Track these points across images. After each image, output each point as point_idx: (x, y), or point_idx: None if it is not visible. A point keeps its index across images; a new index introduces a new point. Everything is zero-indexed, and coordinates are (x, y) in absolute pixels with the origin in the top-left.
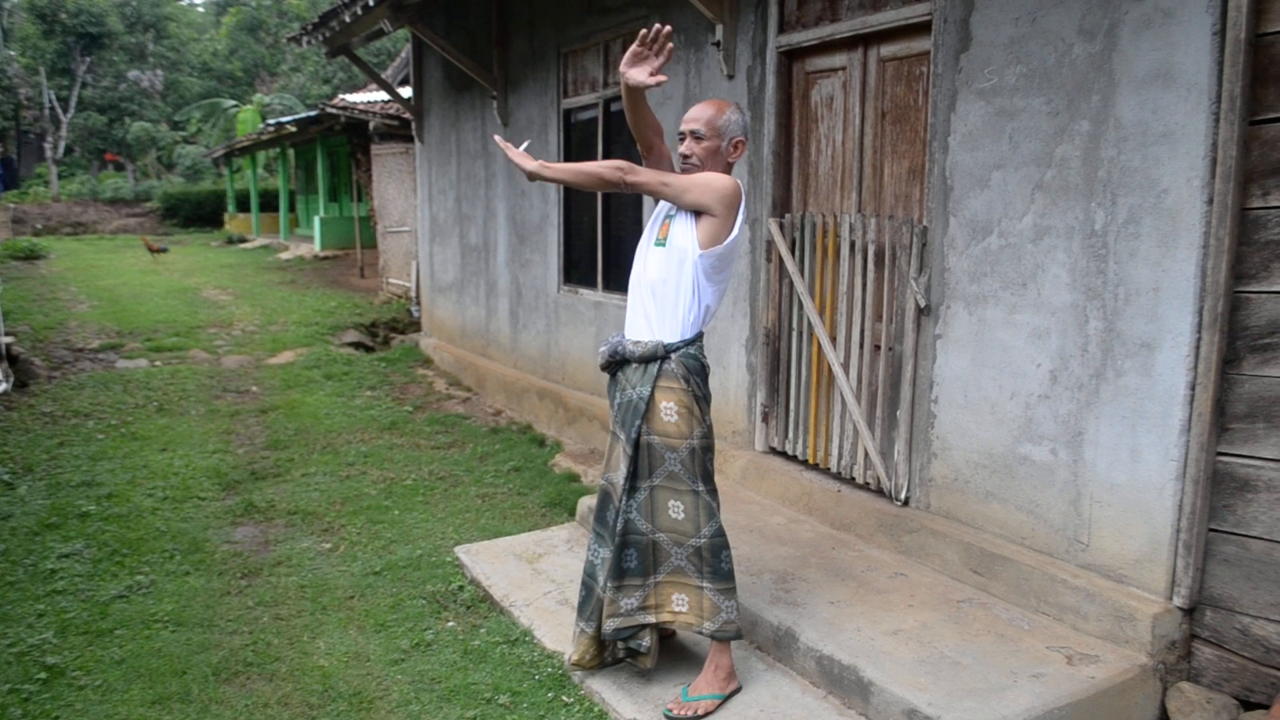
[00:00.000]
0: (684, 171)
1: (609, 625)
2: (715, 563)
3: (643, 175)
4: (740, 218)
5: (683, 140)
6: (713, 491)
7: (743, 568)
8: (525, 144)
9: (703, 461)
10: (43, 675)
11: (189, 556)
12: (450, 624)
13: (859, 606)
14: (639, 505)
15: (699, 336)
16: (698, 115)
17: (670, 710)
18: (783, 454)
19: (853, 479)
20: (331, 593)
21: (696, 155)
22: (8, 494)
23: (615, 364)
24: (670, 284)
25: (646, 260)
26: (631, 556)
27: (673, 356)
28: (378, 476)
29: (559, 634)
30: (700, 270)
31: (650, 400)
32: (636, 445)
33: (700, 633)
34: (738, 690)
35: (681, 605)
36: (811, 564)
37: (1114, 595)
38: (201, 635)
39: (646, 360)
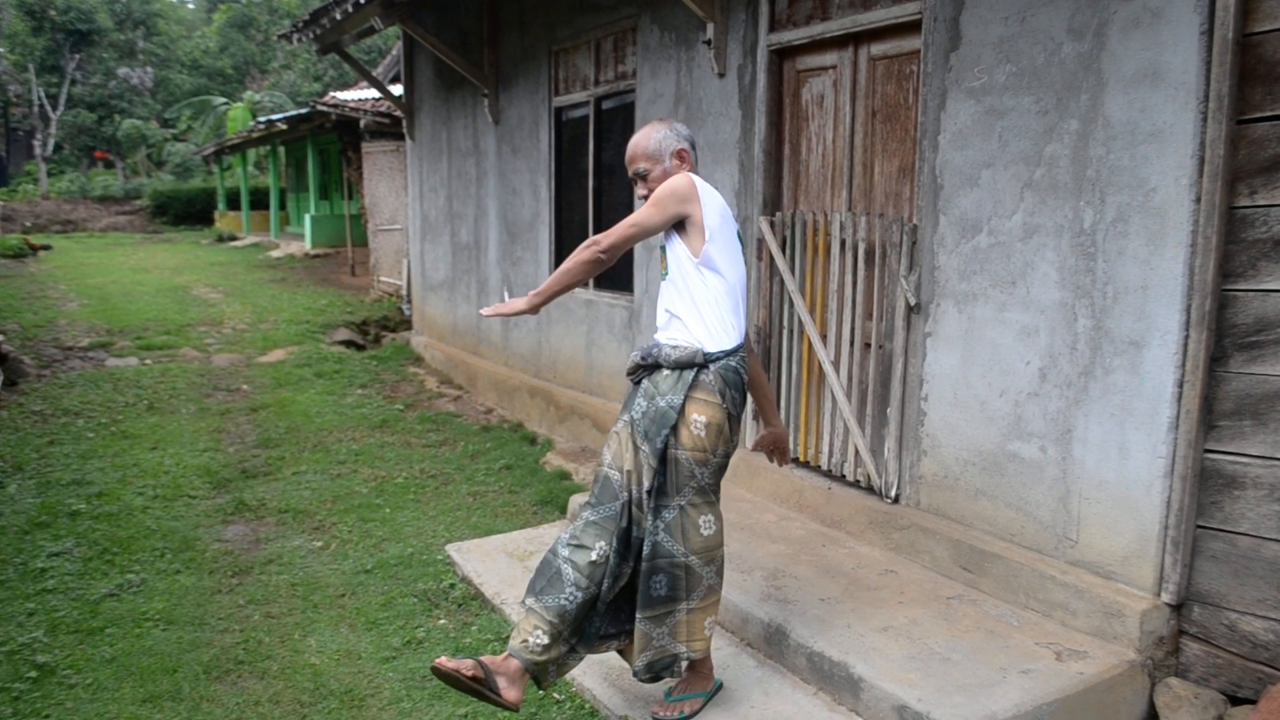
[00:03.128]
0: None
1: (641, 661)
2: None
3: (612, 235)
4: (709, 206)
5: (635, 183)
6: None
7: (734, 565)
8: (505, 293)
9: (719, 477)
10: (33, 674)
11: (180, 555)
12: (441, 622)
13: (849, 603)
14: (667, 526)
15: (739, 348)
16: (633, 154)
17: (656, 713)
18: None
19: (843, 476)
20: (323, 591)
21: (653, 190)
22: None
23: (646, 368)
24: (689, 303)
25: (662, 292)
26: (661, 583)
27: (712, 367)
28: (369, 475)
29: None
30: (705, 274)
31: (681, 411)
32: (663, 460)
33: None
34: (719, 687)
35: (711, 629)
36: (802, 561)
37: (1102, 591)
38: (192, 633)
39: (682, 367)
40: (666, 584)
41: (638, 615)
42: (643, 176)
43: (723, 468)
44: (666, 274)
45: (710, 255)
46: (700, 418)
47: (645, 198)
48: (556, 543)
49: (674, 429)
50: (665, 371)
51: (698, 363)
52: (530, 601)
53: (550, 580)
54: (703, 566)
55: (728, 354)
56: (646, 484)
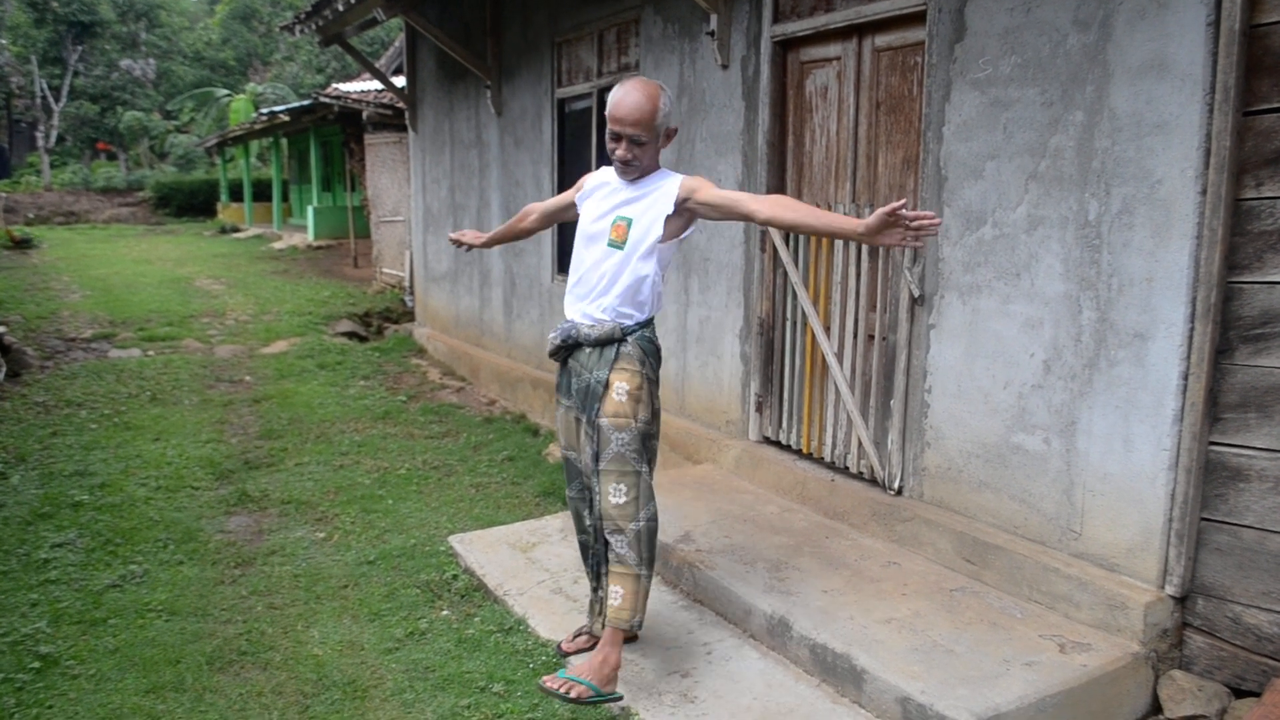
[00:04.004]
0: (622, 172)
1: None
2: (651, 549)
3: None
4: None
5: (619, 141)
6: (650, 474)
7: (736, 557)
8: None
9: (650, 445)
10: (36, 665)
11: (182, 546)
12: (444, 613)
13: (852, 595)
14: (598, 490)
15: (651, 320)
16: (635, 118)
17: (544, 682)
18: (776, 443)
19: (846, 468)
20: (325, 582)
21: (639, 159)
22: (0, 484)
23: (567, 348)
24: (630, 277)
25: (598, 258)
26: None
27: (629, 339)
28: (371, 466)
29: (553, 623)
30: (661, 260)
31: (606, 383)
32: (595, 427)
33: (627, 627)
34: (616, 697)
35: (616, 598)
36: (805, 553)
37: (1106, 584)
38: (195, 624)
39: (602, 344)
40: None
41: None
42: (638, 143)
43: (645, 435)
44: (621, 245)
45: (677, 243)
46: (623, 385)
47: (628, 163)
48: None
49: (604, 399)
50: (587, 350)
51: (616, 338)
52: None
53: None
54: (611, 532)
55: (643, 325)
56: (590, 452)
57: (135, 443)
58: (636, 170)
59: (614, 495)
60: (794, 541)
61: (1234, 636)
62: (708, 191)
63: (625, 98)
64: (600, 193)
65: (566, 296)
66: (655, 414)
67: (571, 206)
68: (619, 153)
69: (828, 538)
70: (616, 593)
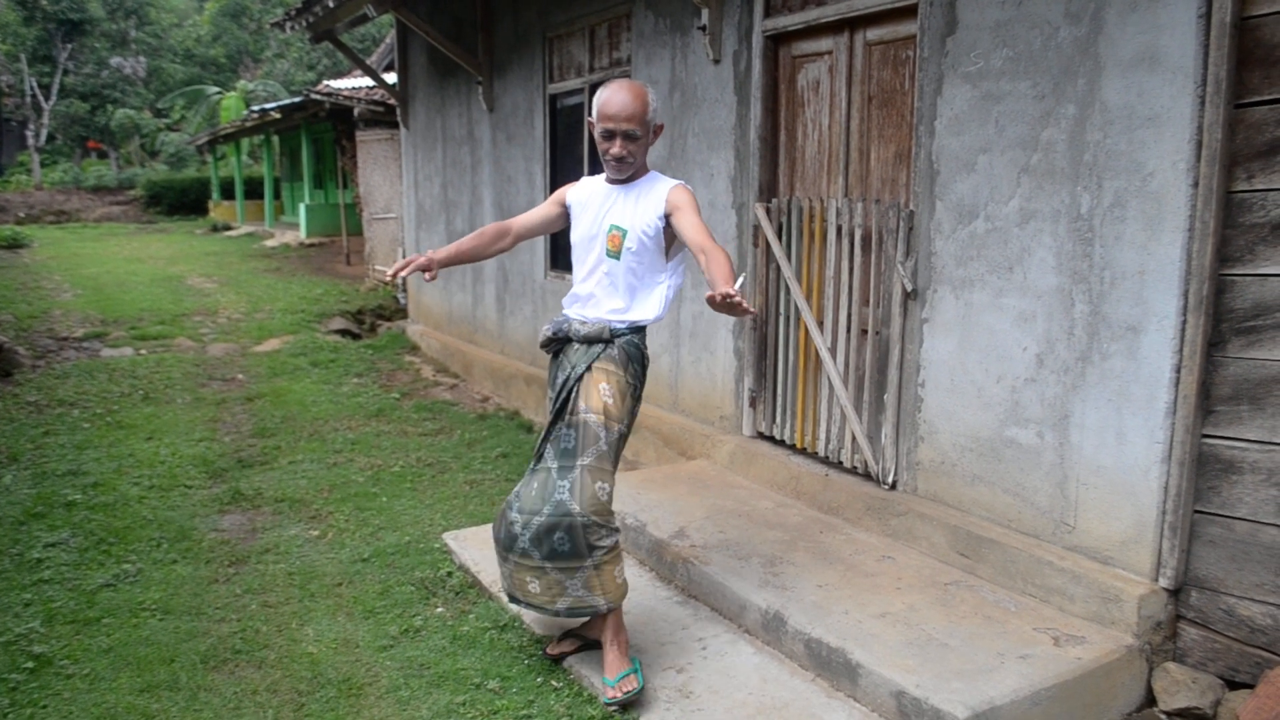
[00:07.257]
0: (617, 170)
1: (562, 604)
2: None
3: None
4: None
5: (612, 139)
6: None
7: (731, 552)
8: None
9: (620, 448)
10: (30, 664)
11: (176, 545)
12: (439, 610)
13: (847, 589)
14: (570, 485)
15: (644, 328)
16: (629, 114)
17: (612, 695)
18: (770, 439)
19: (840, 463)
20: (319, 580)
21: (633, 155)
22: None
23: (558, 341)
24: (628, 285)
25: (594, 266)
26: (564, 540)
27: (617, 342)
28: (365, 464)
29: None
30: (666, 271)
31: (591, 378)
32: (570, 424)
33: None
34: (637, 666)
35: (621, 576)
36: (799, 547)
37: (1100, 577)
38: (189, 623)
39: (590, 341)
40: (569, 541)
41: (547, 564)
42: (633, 139)
43: (624, 438)
44: (617, 255)
45: (681, 253)
46: (607, 386)
47: (622, 159)
48: None
49: (586, 394)
50: (575, 345)
51: (604, 338)
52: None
53: None
54: (600, 526)
55: (633, 331)
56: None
57: (128, 442)
58: (630, 168)
59: (600, 494)
60: (788, 536)
61: (1228, 629)
62: (686, 217)
63: (614, 96)
64: (592, 202)
65: (566, 298)
66: (632, 421)
67: (553, 221)
68: (614, 150)
69: (822, 532)
70: (620, 572)
